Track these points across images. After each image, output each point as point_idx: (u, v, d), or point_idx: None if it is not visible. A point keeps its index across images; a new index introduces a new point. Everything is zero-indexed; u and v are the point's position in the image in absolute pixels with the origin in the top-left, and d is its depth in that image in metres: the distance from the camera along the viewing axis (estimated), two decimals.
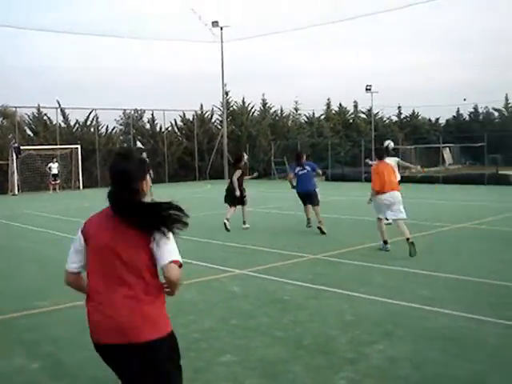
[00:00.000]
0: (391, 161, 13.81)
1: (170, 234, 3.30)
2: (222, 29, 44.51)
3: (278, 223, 16.56)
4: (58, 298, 8.00)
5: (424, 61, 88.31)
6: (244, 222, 15.21)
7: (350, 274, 9.58)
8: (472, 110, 65.25)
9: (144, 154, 25.34)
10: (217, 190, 32.13)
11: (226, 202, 15.49)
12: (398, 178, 13.81)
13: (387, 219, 12.10)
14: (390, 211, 11.53)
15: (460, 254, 11.25)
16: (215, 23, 44.31)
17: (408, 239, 10.99)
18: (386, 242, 11.55)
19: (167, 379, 3.34)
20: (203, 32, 64.79)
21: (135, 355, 3.25)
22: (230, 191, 15.37)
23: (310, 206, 14.82)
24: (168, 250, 3.26)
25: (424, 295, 7.96)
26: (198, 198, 27.55)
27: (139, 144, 44.06)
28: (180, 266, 3.28)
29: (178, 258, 3.28)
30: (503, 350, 5.80)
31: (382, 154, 12.26)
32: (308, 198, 14.81)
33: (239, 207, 15.32)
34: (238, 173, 15.27)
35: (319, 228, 14.00)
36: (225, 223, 14.69)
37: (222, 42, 44.69)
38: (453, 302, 7.59)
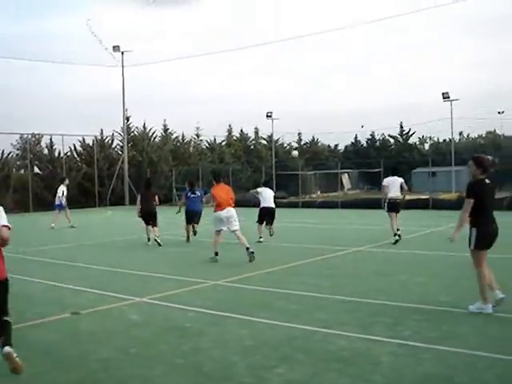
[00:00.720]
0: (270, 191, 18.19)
1: None
2: (123, 53, 44.20)
3: (178, 249, 16.45)
4: None
5: (323, 88, 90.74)
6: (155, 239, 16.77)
7: (250, 299, 9.61)
8: (369, 136, 67.42)
9: (66, 181, 25.21)
10: (118, 216, 31.71)
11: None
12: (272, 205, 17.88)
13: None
14: (227, 225, 13.67)
15: (357, 276, 11.52)
16: (116, 48, 43.95)
17: (248, 248, 13.29)
18: (216, 254, 13.59)
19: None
20: (106, 56, 63.95)
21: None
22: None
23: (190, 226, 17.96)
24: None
25: (322, 318, 8.09)
26: (100, 224, 27.02)
27: (37, 169, 42.88)
28: (9, 228, 5.64)
29: (7, 223, 5.64)
30: (397, 368, 5.97)
31: (219, 177, 14.48)
32: (195, 216, 18.00)
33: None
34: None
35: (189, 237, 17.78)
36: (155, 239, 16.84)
37: (123, 66, 44.37)
38: (350, 323, 7.76)
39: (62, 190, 24.63)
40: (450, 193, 38.77)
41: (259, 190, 18.15)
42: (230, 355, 6.52)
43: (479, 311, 8.11)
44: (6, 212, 5.84)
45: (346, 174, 57.03)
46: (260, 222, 17.76)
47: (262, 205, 17.81)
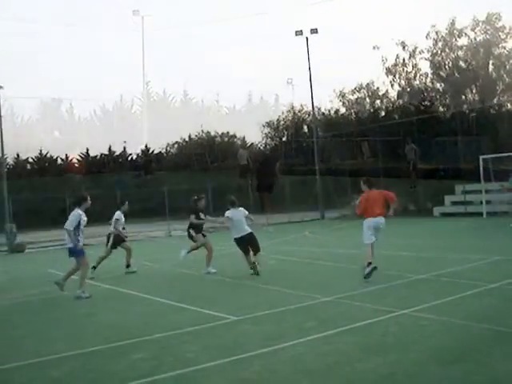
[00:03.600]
0: None
1: None
2: (143, 18, 43.87)
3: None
4: None
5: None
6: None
7: None
8: None
9: None
10: None
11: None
12: None
13: None
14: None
15: None
16: (136, 12, 43.54)
17: None
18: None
19: None
20: (125, 20, 63.71)
21: None
22: None
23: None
24: None
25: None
26: None
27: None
28: None
29: None
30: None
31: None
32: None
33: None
34: None
35: None
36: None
37: (143, 30, 44.10)
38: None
39: None
40: None
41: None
42: None
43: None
44: None
45: (366, 142, 56.32)
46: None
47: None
